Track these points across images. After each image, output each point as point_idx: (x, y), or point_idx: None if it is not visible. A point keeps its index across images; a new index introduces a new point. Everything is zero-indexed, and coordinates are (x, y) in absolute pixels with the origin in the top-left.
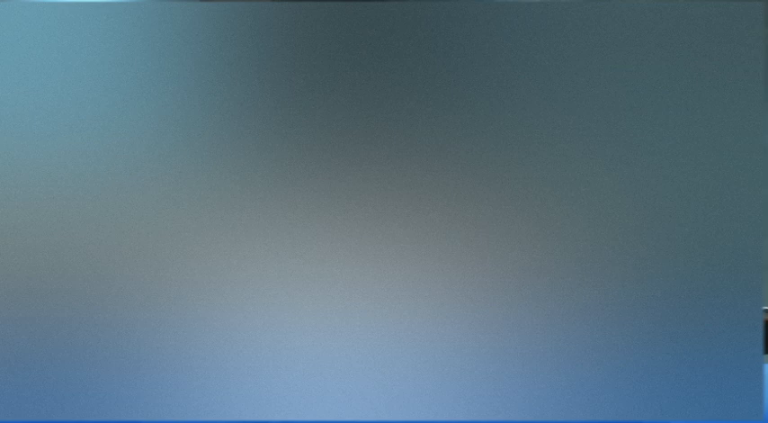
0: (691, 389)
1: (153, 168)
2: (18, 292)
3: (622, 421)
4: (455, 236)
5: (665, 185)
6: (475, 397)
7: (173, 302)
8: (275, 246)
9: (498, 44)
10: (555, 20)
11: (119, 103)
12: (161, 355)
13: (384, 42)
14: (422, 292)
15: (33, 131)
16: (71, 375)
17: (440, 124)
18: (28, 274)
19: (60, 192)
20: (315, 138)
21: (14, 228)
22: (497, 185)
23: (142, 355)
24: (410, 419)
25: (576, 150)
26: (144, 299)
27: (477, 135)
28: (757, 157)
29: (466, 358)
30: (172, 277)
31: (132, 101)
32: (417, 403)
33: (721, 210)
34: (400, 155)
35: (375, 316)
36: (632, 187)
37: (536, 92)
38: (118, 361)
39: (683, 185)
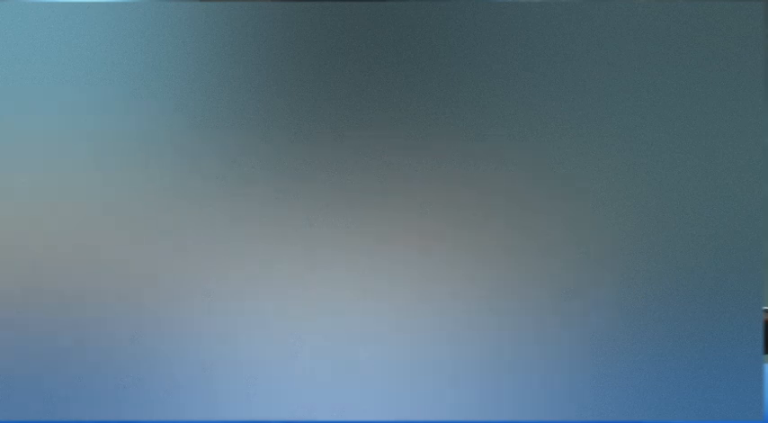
0: (691, 389)
1: (152, 168)
2: (18, 292)
3: (622, 421)
4: (456, 235)
5: (666, 185)
6: (475, 397)
7: (172, 302)
8: (275, 246)
9: (498, 44)
10: (555, 20)
11: (119, 103)
12: (160, 355)
13: (384, 42)
14: (422, 291)
15: (33, 131)
16: (71, 375)
17: (440, 124)
18: (28, 274)
19: (60, 192)
20: (315, 138)
21: (14, 228)
22: (498, 185)
23: (142, 355)
24: (411, 419)
25: (576, 150)
26: (144, 299)
27: (477, 135)
28: (757, 157)
29: (466, 358)
30: (171, 277)
31: (132, 101)
32: (418, 403)
33: (721, 210)
34: (400, 155)
35: (375, 316)
36: (632, 187)
37: (536, 92)
38: (118, 361)
39: (684, 185)
